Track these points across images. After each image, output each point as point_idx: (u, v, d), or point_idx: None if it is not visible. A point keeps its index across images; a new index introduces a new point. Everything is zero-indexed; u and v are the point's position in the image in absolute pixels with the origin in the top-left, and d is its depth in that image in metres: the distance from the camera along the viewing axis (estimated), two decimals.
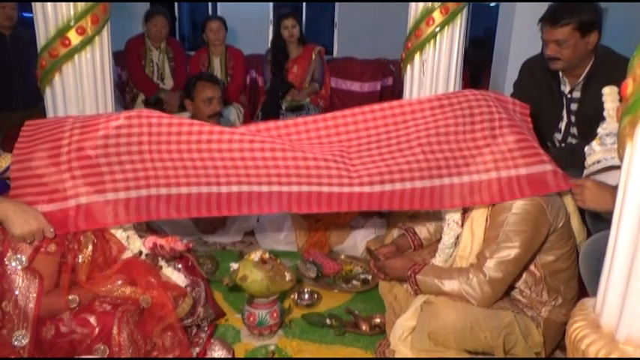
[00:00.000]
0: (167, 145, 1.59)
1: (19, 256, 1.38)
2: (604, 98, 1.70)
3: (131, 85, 3.95)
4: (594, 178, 1.62)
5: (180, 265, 1.73)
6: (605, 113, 1.69)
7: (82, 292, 1.47)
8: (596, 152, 1.63)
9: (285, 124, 1.71)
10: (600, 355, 0.93)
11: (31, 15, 2.14)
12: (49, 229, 1.40)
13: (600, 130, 1.67)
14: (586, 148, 1.69)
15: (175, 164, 1.60)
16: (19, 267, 1.38)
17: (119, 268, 1.56)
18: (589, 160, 1.65)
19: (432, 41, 2.31)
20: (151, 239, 1.68)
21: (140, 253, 1.64)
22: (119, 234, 1.60)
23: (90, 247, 1.53)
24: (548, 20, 2.11)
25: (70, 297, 1.44)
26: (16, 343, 1.35)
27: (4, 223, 1.37)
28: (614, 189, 1.52)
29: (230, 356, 1.77)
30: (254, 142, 1.63)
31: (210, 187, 1.61)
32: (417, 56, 2.36)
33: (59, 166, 1.47)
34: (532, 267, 1.64)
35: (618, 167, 1.34)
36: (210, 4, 6.70)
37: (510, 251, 1.54)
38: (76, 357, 1.31)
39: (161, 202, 1.59)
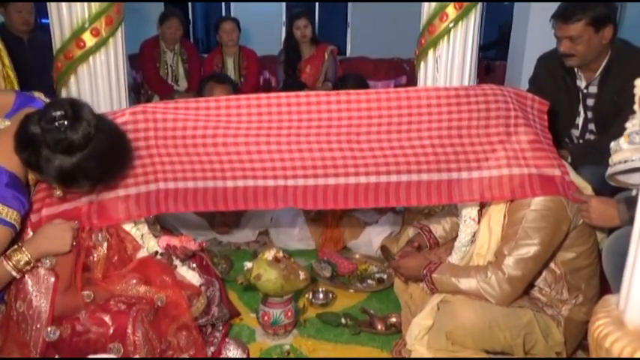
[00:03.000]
0: (173, 140, 1.60)
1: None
2: (636, 90, 1.64)
3: (146, 87, 3.99)
4: (616, 177, 1.57)
5: (194, 265, 1.74)
6: (635, 107, 1.64)
7: (97, 290, 1.48)
8: (623, 150, 1.57)
9: (296, 95, 1.66)
10: (625, 353, 0.90)
11: (48, 21, 2.16)
12: (72, 223, 1.43)
13: (629, 126, 1.62)
14: (612, 144, 1.64)
15: (182, 159, 1.61)
16: (47, 266, 1.38)
17: (134, 267, 1.56)
18: (614, 158, 1.60)
19: (445, 37, 2.27)
20: (165, 239, 1.68)
21: (156, 252, 1.65)
22: (133, 232, 1.60)
23: (105, 246, 1.54)
24: (561, 16, 2.07)
25: (85, 292, 1.45)
26: (52, 337, 1.36)
27: (48, 254, 1.38)
28: (617, 203, 1.49)
29: (245, 356, 1.76)
30: (259, 135, 1.61)
31: (215, 181, 1.62)
32: (430, 52, 2.33)
33: None
34: (552, 264, 1.60)
35: None
36: (223, 5, 6.74)
37: (530, 248, 1.50)
38: (90, 356, 1.31)
39: (169, 196, 1.61)
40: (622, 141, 1.58)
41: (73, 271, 1.47)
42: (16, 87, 1.78)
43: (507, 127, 1.64)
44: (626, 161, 1.53)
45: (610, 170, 1.57)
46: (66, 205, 1.47)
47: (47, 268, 1.38)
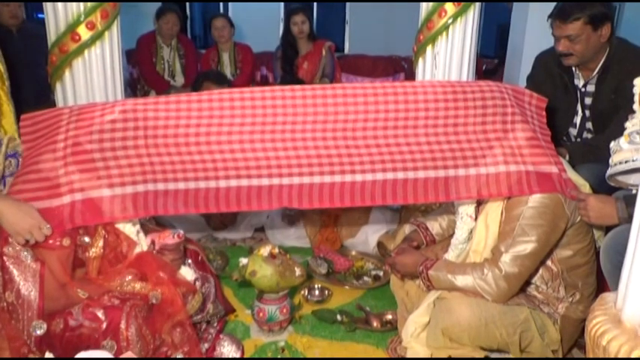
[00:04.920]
0: (164, 139, 1.55)
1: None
2: (635, 89, 1.63)
3: (142, 82, 3.97)
4: (616, 178, 1.57)
5: (189, 260, 1.72)
6: (635, 106, 1.63)
7: (92, 287, 1.46)
8: (624, 150, 1.56)
9: (292, 89, 1.63)
10: (622, 351, 0.89)
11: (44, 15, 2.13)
12: (44, 225, 1.39)
13: (629, 125, 1.61)
14: (612, 144, 1.63)
15: (173, 159, 1.56)
16: (28, 260, 1.37)
17: (131, 263, 1.54)
18: (615, 158, 1.59)
19: (444, 33, 2.26)
20: (150, 237, 1.65)
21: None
22: (127, 228, 1.58)
23: (100, 242, 1.52)
24: (558, 16, 2.06)
25: (80, 292, 1.43)
26: (38, 332, 1.35)
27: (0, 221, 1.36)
28: (615, 202, 1.48)
29: (239, 352, 1.75)
30: (254, 132, 1.59)
31: (208, 181, 1.57)
32: (429, 49, 2.32)
33: (56, 162, 1.47)
34: (549, 262, 1.60)
35: None
36: (221, 3, 6.70)
37: (527, 245, 1.49)
38: (82, 352, 1.30)
39: (159, 198, 1.55)
40: (622, 141, 1.57)
41: (72, 267, 1.46)
42: (6, 81, 1.76)
43: (504, 123, 1.63)
44: (626, 161, 1.52)
45: (610, 171, 1.56)
46: (48, 202, 1.43)
47: (28, 261, 1.37)
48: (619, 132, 1.61)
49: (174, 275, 1.58)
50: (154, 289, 1.49)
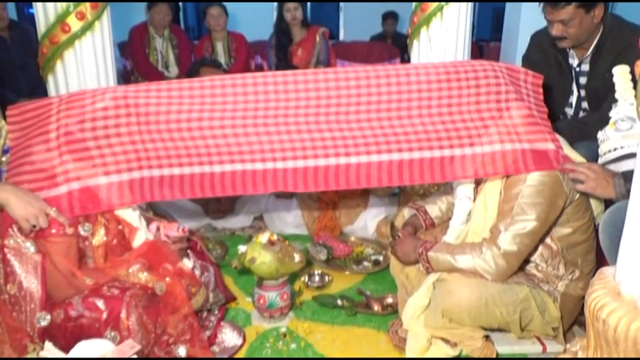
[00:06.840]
0: (156, 125, 1.55)
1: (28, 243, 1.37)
2: (615, 78, 1.63)
3: (136, 74, 3.94)
4: (607, 167, 1.56)
5: (188, 250, 1.71)
6: (617, 95, 1.62)
7: (99, 275, 1.46)
8: (611, 139, 1.56)
9: (283, 74, 1.62)
10: (622, 323, 0.89)
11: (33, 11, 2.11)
12: (50, 209, 1.40)
13: (613, 114, 1.60)
14: (599, 134, 1.62)
15: (166, 145, 1.55)
16: (31, 252, 1.37)
17: (142, 252, 1.53)
18: (603, 148, 1.59)
19: (438, 14, 2.25)
20: (155, 223, 1.65)
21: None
22: (128, 214, 1.57)
23: (102, 230, 1.51)
24: (549, 2, 2.04)
25: (87, 279, 1.43)
26: (43, 323, 1.35)
27: (5, 208, 1.36)
28: (613, 176, 1.47)
29: (241, 339, 1.75)
30: (246, 117, 1.58)
31: (202, 166, 1.56)
32: (423, 31, 2.30)
33: (51, 152, 1.46)
34: (548, 240, 1.60)
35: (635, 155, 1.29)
36: None
37: (526, 224, 1.49)
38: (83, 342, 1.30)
39: (154, 184, 1.55)
40: (608, 129, 1.57)
41: (77, 255, 1.46)
42: None
43: (498, 102, 1.63)
44: (615, 149, 1.52)
45: (600, 160, 1.56)
46: (45, 193, 1.43)
47: (30, 254, 1.36)
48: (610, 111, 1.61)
49: (179, 267, 1.58)
50: (160, 281, 1.49)
